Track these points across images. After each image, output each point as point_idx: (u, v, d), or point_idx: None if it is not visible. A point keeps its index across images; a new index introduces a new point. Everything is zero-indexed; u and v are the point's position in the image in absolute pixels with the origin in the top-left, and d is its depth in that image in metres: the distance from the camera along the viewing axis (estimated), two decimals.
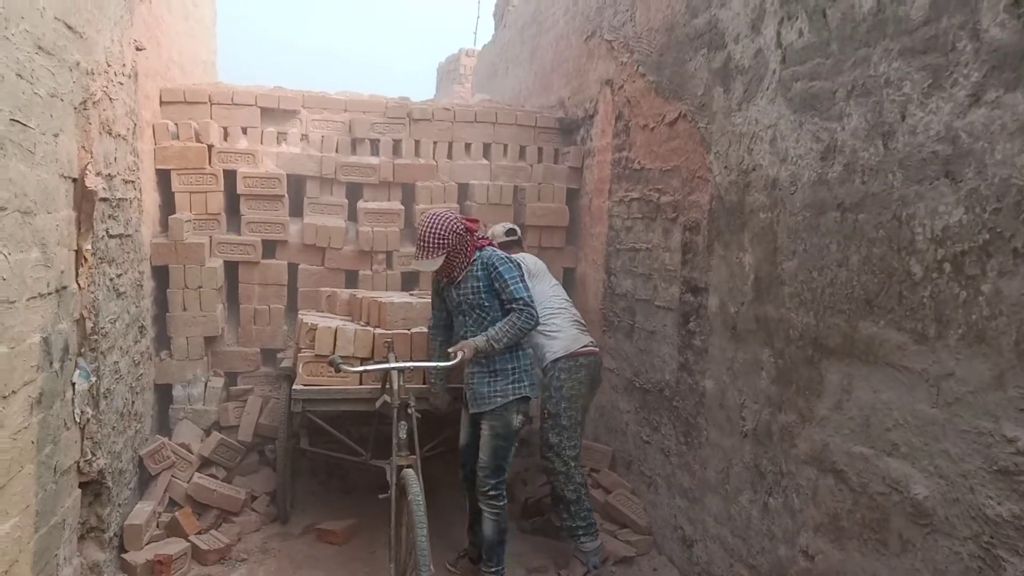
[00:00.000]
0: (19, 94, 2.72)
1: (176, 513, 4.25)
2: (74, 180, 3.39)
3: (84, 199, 3.46)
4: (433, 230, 3.69)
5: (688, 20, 4.24)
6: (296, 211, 5.76)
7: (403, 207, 5.84)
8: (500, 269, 3.77)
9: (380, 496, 3.52)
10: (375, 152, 5.96)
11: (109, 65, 3.87)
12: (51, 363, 3.10)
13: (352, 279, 5.76)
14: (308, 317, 4.75)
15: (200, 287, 5.12)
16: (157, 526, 4.23)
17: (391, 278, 5.75)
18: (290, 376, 4.64)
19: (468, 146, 6.15)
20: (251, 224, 5.46)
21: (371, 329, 4.38)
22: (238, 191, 5.42)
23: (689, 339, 4.17)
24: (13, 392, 2.71)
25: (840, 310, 2.94)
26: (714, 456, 3.87)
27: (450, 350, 3.70)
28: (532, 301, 3.79)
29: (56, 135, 3.13)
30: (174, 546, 4.00)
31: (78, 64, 3.38)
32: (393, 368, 3.67)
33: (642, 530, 4.48)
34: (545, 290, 4.43)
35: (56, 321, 3.16)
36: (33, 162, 2.87)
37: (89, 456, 3.54)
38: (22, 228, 2.77)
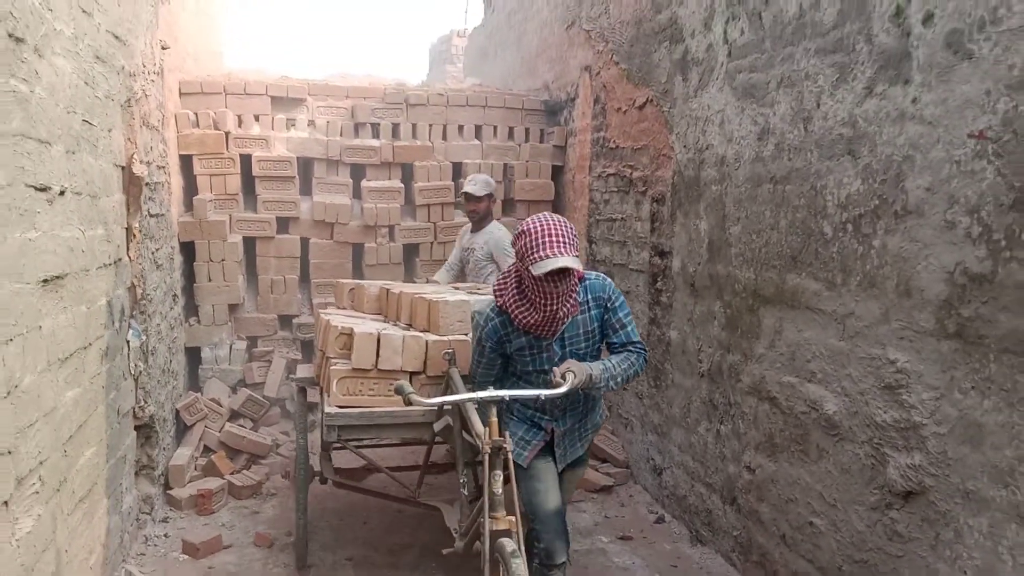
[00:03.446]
0: (86, 98, 3.28)
1: (212, 456, 4.87)
2: (122, 168, 3.95)
3: (131, 183, 4.03)
4: (567, 226, 2.80)
5: (653, 15, 4.79)
6: (306, 190, 6.32)
7: (403, 185, 6.40)
8: (618, 304, 3.01)
9: (444, 552, 3.00)
10: (376, 135, 6.50)
11: (144, 66, 4.42)
12: (113, 322, 3.69)
13: (359, 251, 6.33)
14: (335, 317, 3.91)
15: (223, 260, 5.71)
16: (195, 468, 4.85)
17: (394, 250, 6.32)
18: (304, 388, 4.08)
19: (461, 128, 6.69)
20: (266, 203, 6.02)
21: (421, 335, 3.54)
22: (253, 173, 5.97)
23: (657, 296, 4.77)
24: (90, 344, 3.30)
25: (773, 265, 3.54)
26: (678, 395, 4.48)
27: (557, 371, 2.83)
28: None
29: (110, 130, 3.69)
30: (213, 483, 4.62)
31: (123, 68, 3.93)
32: (493, 398, 2.73)
33: (620, 463, 5.13)
34: None
35: (115, 287, 3.75)
36: (96, 154, 3.44)
37: (142, 403, 4.15)
38: (91, 209, 3.34)
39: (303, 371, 4.23)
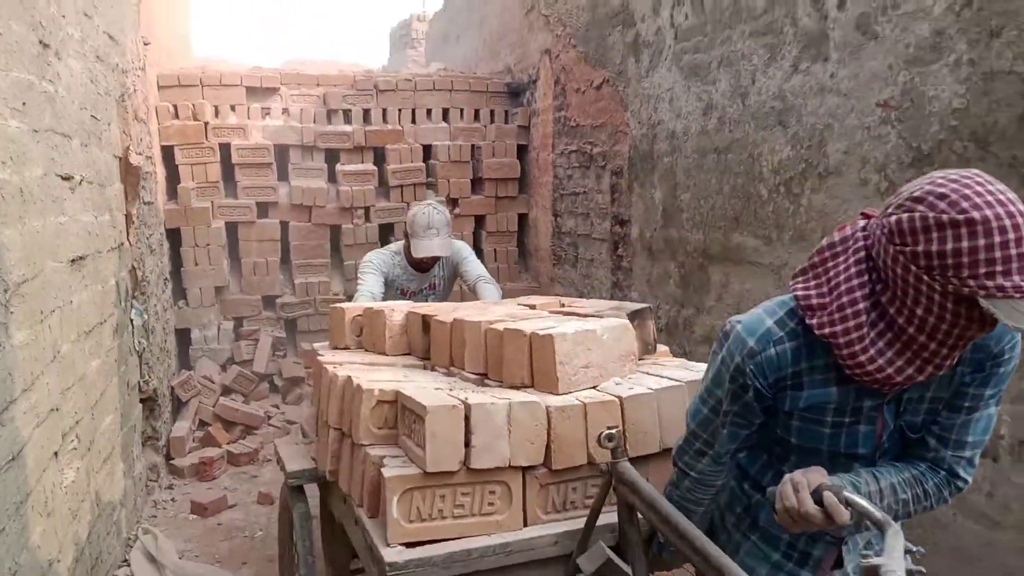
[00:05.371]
0: (92, 95, 3.57)
1: (209, 428, 5.20)
2: (119, 159, 4.24)
3: (128, 173, 4.32)
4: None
5: (607, 1, 5.16)
6: (283, 175, 6.60)
7: (376, 167, 6.71)
8: (995, 372, 1.51)
9: None
10: (348, 121, 6.79)
11: (132, 63, 4.69)
12: (120, 302, 4.00)
13: (336, 233, 6.64)
14: (346, 369, 2.38)
15: (208, 245, 6.00)
16: (193, 440, 5.17)
17: (370, 230, 6.63)
18: (301, 488, 2.62)
19: (429, 111, 7.00)
20: (246, 189, 6.30)
21: (537, 400, 1.99)
22: (232, 161, 6.24)
23: (619, 262, 5.18)
24: (105, 320, 3.61)
25: (718, 227, 3.96)
26: None
27: (794, 490, 1.40)
28: None
29: (109, 124, 3.98)
30: (213, 451, 4.96)
31: (117, 65, 4.21)
32: None
33: None
34: None
35: (120, 269, 4.05)
36: (101, 147, 3.73)
37: (146, 377, 4.46)
38: (100, 197, 3.65)
39: (294, 460, 2.65)
